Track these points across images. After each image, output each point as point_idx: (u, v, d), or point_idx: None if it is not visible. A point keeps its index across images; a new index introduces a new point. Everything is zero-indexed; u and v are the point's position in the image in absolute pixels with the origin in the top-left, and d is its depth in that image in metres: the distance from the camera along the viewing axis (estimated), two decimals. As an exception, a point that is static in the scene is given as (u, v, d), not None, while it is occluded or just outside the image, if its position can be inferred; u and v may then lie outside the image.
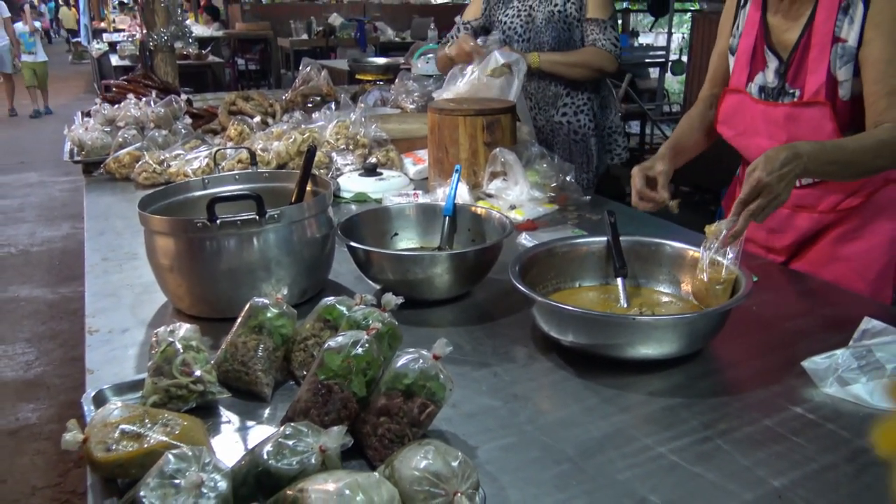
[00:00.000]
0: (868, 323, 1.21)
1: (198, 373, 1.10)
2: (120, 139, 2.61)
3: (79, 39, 19.96)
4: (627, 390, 1.14)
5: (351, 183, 2.27)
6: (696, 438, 1.01)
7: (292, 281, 1.42)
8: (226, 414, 1.12)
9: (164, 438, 0.91)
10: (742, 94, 1.67)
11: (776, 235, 1.72)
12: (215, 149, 2.46)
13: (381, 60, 4.19)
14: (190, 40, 4.08)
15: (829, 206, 1.64)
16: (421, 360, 0.99)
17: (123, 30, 12.17)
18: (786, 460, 0.96)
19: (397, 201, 2.07)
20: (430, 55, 4.39)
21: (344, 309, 1.19)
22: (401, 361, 1.00)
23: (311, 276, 1.47)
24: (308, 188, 1.60)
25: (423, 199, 2.12)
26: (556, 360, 1.24)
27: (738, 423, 1.05)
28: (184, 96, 2.95)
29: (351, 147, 2.50)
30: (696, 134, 1.84)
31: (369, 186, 2.24)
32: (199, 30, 9.93)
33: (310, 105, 3.50)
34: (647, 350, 1.17)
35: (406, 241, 1.66)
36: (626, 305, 1.35)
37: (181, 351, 1.11)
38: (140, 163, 2.42)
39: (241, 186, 1.63)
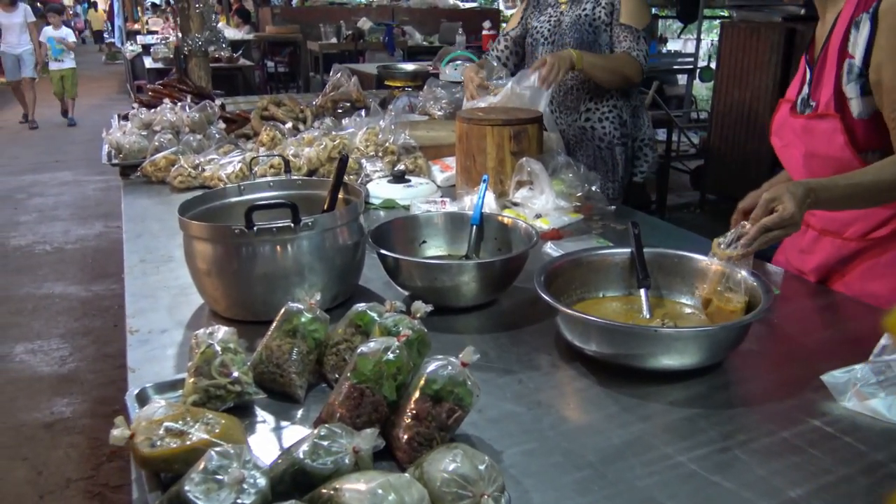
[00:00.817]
0: (888, 339, 1.23)
1: (235, 374, 1.15)
2: (156, 143, 2.69)
3: (112, 40, 20.32)
4: (648, 399, 1.17)
5: (380, 189, 2.33)
6: (715, 448, 1.04)
7: (324, 286, 1.46)
8: (261, 414, 1.17)
9: (206, 436, 0.96)
10: (788, 104, 1.67)
11: (805, 257, 1.71)
12: (249, 154, 2.54)
13: (410, 67, 4.25)
14: (223, 45, 4.15)
15: (856, 233, 1.60)
16: (450, 367, 1.03)
17: (157, 32, 12.39)
18: (802, 471, 0.99)
19: (425, 208, 2.11)
20: (459, 62, 4.46)
21: (375, 315, 1.23)
22: (430, 367, 1.04)
23: (342, 282, 1.52)
24: (340, 196, 1.65)
25: (450, 206, 2.17)
26: (580, 368, 1.27)
27: (755, 435, 1.07)
28: (217, 101, 3.02)
29: (380, 154, 2.55)
30: None
31: (398, 193, 2.29)
32: (231, 33, 10.09)
33: (339, 111, 3.57)
34: (669, 361, 1.20)
35: (434, 249, 1.70)
36: (648, 316, 1.38)
37: (220, 353, 1.16)
38: (175, 167, 2.49)
39: (275, 193, 1.69)
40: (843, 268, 1.62)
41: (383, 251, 1.47)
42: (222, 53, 7.35)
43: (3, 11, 10.54)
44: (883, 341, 1.24)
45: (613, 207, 2.20)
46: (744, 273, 1.32)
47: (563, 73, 2.40)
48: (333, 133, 2.62)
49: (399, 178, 2.37)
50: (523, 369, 1.28)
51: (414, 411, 1.02)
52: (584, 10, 2.58)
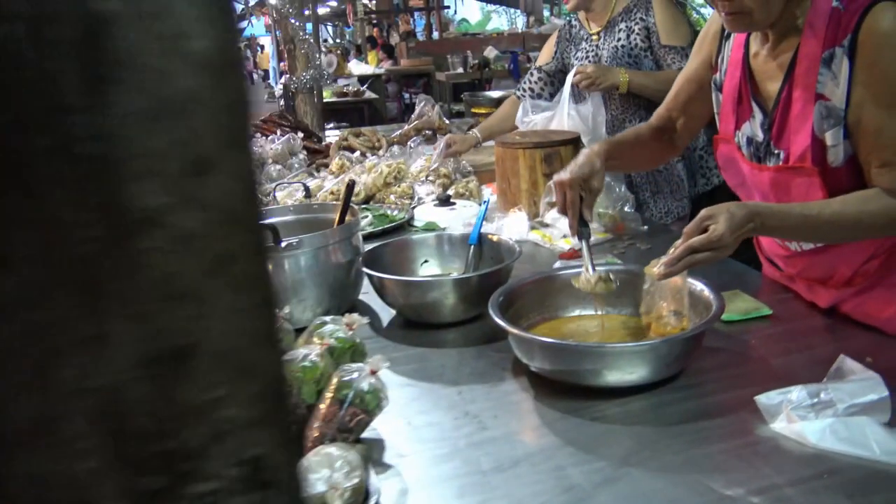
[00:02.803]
0: (843, 361, 1.17)
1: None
2: (240, 174, 2.96)
3: (269, 81, 22.04)
4: (573, 414, 1.18)
5: (424, 213, 2.43)
6: (609, 464, 1.05)
7: (317, 301, 1.59)
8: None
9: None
10: (731, 144, 1.51)
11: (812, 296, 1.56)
12: (311, 181, 2.74)
13: (496, 94, 4.34)
14: (328, 81, 4.46)
15: (840, 280, 1.45)
16: (358, 374, 1.12)
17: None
18: (691, 489, 0.98)
19: (462, 230, 2.18)
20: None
21: (330, 327, 1.33)
22: (342, 374, 1.13)
23: (336, 297, 1.63)
24: (348, 218, 1.78)
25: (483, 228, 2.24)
26: (524, 383, 1.30)
27: (658, 453, 1.06)
28: (300, 134, 3.27)
29: (431, 179, 2.67)
30: (640, 148, 1.70)
31: (439, 216, 2.39)
32: (362, 68, 10.66)
33: (422, 138, 3.73)
34: (606, 377, 1.21)
35: (434, 269, 1.78)
36: (591, 272, 1.40)
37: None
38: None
39: (292, 217, 1.85)
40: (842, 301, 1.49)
41: (367, 269, 1.58)
42: (349, 88, 7.83)
43: None
44: (837, 363, 1.18)
45: (646, 227, 2.17)
46: (685, 295, 1.29)
47: (601, 87, 2.41)
48: (391, 160, 2.76)
49: (444, 201, 2.46)
50: (470, 382, 1.33)
51: (323, 413, 1.11)
52: (619, 39, 2.53)
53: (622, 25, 2.51)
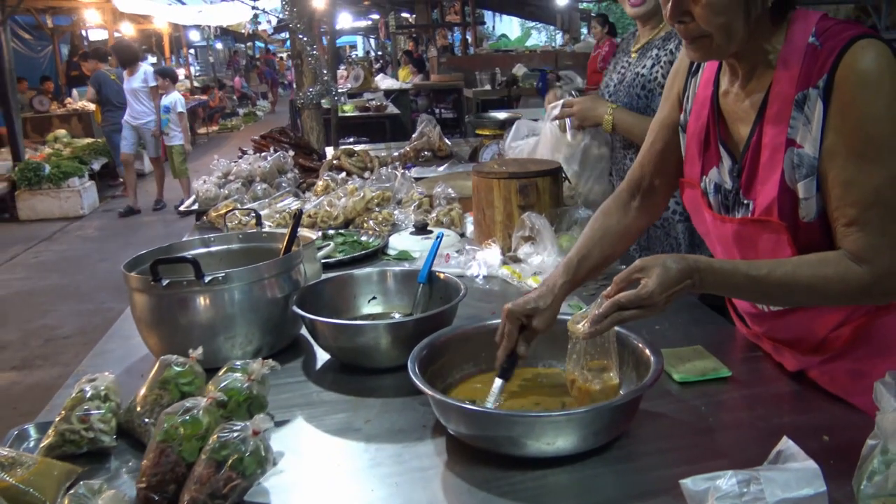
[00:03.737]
0: (786, 444, 1.04)
1: (97, 422, 1.21)
2: (224, 191, 2.90)
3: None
4: (483, 487, 1.07)
5: (399, 241, 2.34)
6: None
7: (246, 339, 1.50)
8: (113, 463, 1.21)
9: (9, 480, 1.03)
10: (696, 189, 1.36)
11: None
12: (293, 202, 2.66)
13: (502, 115, 4.22)
14: (336, 98, 4.41)
15: (809, 347, 1.31)
16: (238, 433, 1.02)
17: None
18: None
19: (411, 267, 2.06)
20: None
21: (229, 376, 1.23)
22: (224, 432, 1.03)
23: (270, 334, 1.54)
24: (294, 248, 1.69)
25: (452, 260, 2.14)
26: (441, 446, 1.19)
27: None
28: (290, 153, 3.20)
29: (409, 204, 2.58)
30: (610, 238, 1.45)
31: (412, 245, 2.29)
32: (388, 83, 10.63)
33: (421, 159, 3.65)
34: (528, 447, 1.09)
35: (380, 307, 1.68)
36: (491, 406, 1.24)
37: (87, 399, 1.23)
38: (229, 213, 2.67)
39: (237, 245, 1.76)
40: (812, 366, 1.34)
41: (296, 309, 1.48)
42: (373, 102, 7.80)
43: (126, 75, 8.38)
44: (780, 446, 1.05)
45: (624, 267, 2.04)
46: (613, 350, 1.17)
47: (584, 124, 2.28)
48: (374, 186, 2.68)
49: (421, 229, 2.36)
50: (386, 440, 1.22)
51: (198, 475, 1.01)
52: (644, 66, 2.31)
53: (653, 53, 2.26)
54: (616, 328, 1.23)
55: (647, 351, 1.22)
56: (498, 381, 1.26)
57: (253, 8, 5.13)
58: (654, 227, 2.31)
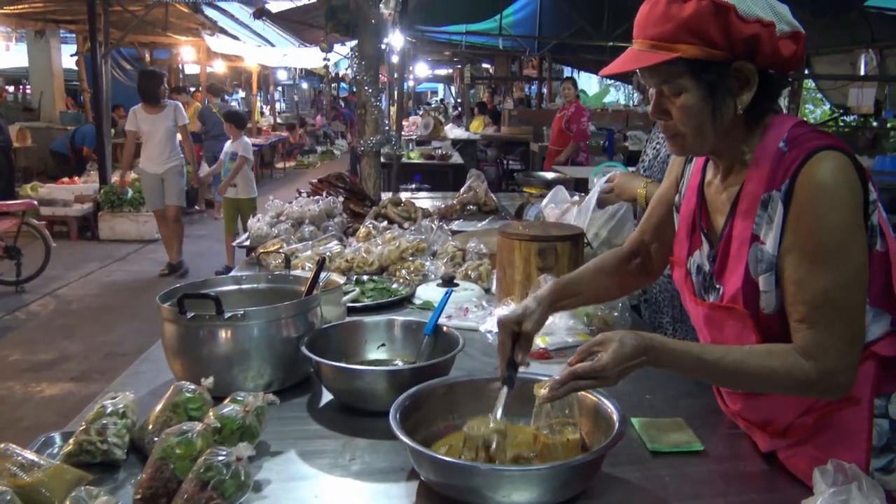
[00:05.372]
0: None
1: (112, 436, 1.35)
2: (274, 231, 3.10)
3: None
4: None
5: (425, 292, 2.45)
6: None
7: (258, 373, 1.63)
8: (122, 474, 1.35)
9: (26, 478, 1.18)
10: (682, 269, 1.45)
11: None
12: (335, 245, 2.83)
13: (550, 175, 4.33)
14: (395, 148, 4.61)
15: (778, 428, 1.35)
16: (222, 458, 1.14)
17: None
18: None
19: (421, 319, 2.17)
20: (611, 171, 4.44)
21: (228, 407, 1.36)
22: (211, 455, 1.16)
23: (281, 370, 1.67)
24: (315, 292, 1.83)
25: (470, 314, 2.24)
26: (412, 489, 1.28)
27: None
28: (340, 198, 3.39)
29: (444, 257, 2.70)
30: (604, 278, 1.59)
31: (437, 296, 2.39)
32: (457, 132, 10.89)
33: (466, 213, 3.78)
34: (491, 498, 1.17)
35: (386, 354, 1.79)
36: (498, 417, 1.30)
37: (107, 413, 1.38)
38: (273, 251, 2.85)
39: (264, 285, 1.91)
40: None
41: (304, 350, 1.61)
42: (438, 151, 8.03)
43: (146, 114, 6.88)
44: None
45: (630, 320, 2.11)
46: (575, 406, 1.25)
47: (622, 198, 2.39)
48: (411, 237, 2.81)
49: (447, 282, 2.48)
50: (365, 479, 1.32)
51: (185, 491, 1.14)
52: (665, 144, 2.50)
53: None
54: (595, 395, 1.34)
55: (615, 417, 1.29)
56: (504, 391, 1.34)
57: (324, 59, 5.39)
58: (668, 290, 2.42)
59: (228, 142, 7.13)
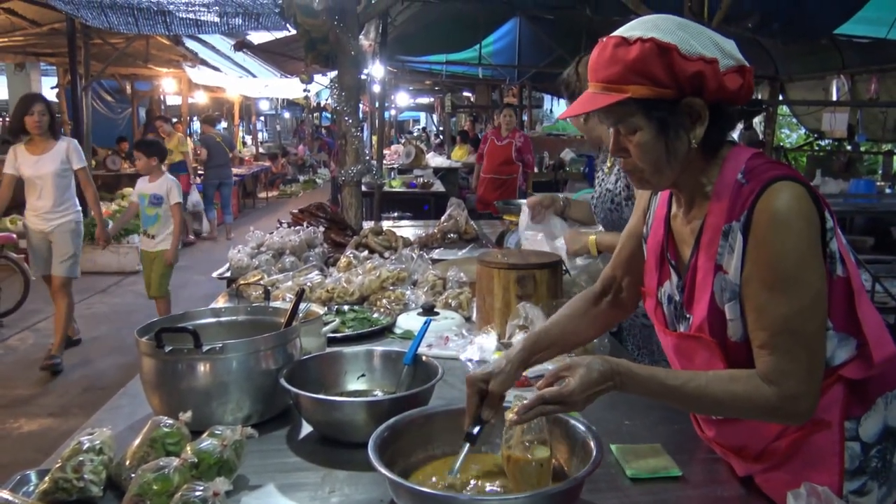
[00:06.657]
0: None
1: (88, 473, 1.34)
2: (255, 262, 3.10)
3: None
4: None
5: (406, 321, 2.46)
6: None
7: (237, 405, 1.63)
8: (97, 512, 1.33)
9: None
10: (653, 299, 1.47)
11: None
12: (316, 275, 2.83)
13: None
14: (376, 177, 4.63)
15: (752, 453, 1.37)
16: (199, 492, 1.14)
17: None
18: None
19: (399, 348, 2.16)
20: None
21: (206, 442, 1.35)
22: (188, 491, 1.15)
23: (260, 403, 1.66)
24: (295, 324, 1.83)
25: (451, 343, 2.25)
26: (391, 519, 1.29)
27: None
28: (321, 228, 3.40)
29: (424, 286, 2.71)
30: (577, 322, 1.58)
31: (417, 325, 2.40)
32: (438, 161, 10.97)
33: (447, 241, 3.80)
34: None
35: (366, 384, 1.80)
36: (454, 475, 1.31)
37: (83, 450, 1.37)
38: (254, 282, 2.85)
39: (243, 317, 1.91)
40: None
41: (283, 382, 1.61)
42: (420, 179, 8.08)
43: (28, 154, 5.13)
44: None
45: (609, 345, 2.12)
46: (544, 427, 1.26)
47: (577, 254, 2.46)
48: (392, 267, 2.83)
49: (428, 311, 2.49)
50: (340, 511, 1.32)
51: (162, 529, 1.14)
52: (611, 182, 2.51)
53: (616, 169, 2.49)
54: (573, 420, 1.36)
55: (593, 444, 1.30)
56: (465, 446, 1.32)
57: (304, 90, 5.46)
58: (644, 326, 2.44)
59: (141, 180, 5.57)
